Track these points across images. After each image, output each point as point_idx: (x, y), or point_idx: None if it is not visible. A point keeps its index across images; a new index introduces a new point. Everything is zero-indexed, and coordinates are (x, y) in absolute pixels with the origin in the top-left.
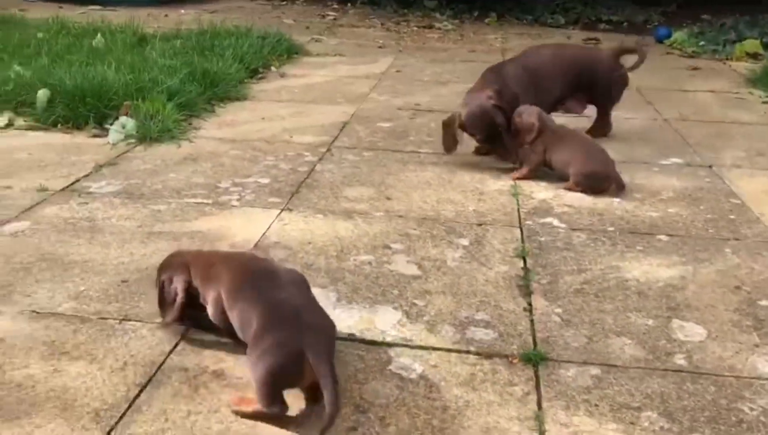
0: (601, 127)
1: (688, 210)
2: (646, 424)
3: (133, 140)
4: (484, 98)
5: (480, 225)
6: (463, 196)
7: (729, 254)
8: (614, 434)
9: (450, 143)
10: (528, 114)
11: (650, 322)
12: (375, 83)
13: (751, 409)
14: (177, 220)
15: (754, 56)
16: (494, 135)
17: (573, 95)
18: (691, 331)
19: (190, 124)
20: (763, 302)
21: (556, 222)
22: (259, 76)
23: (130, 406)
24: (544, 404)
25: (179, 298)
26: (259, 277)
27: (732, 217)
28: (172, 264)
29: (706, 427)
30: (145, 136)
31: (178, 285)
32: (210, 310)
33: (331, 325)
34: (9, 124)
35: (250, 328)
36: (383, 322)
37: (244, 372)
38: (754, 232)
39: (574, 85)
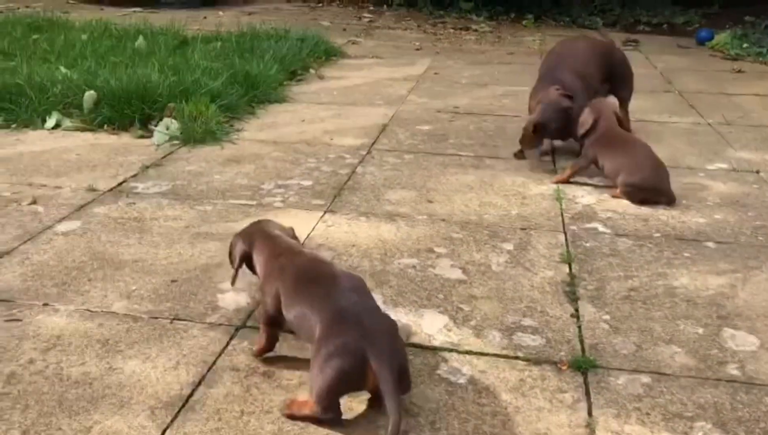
0: (626, 122)
1: (735, 216)
2: (700, 434)
3: (177, 142)
4: (553, 91)
5: (524, 229)
6: (506, 200)
7: None
8: None
9: (527, 145)
10: (590, 109)
11: (700, 330)
12: (413, 85)
13: None
14: (223, 221)
15: None
16: (567, 128)
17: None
18: (742, 341)
19: (231, 126)
20: None
21: (601, 227)
22: (298, 78)
23: (184, 405)
24: (595, 412)
25: (235, 265)
26: (320, 281)
27: None
28: (245, 231)
29: None
30: (189, 138)
31: (237, 253)
32: (267, 301)
33: (393, 329)
34: (57, 125)
35: (310, 332)
36: (430, 326)
37: (293, 374)
38: None
39: (605, 79)
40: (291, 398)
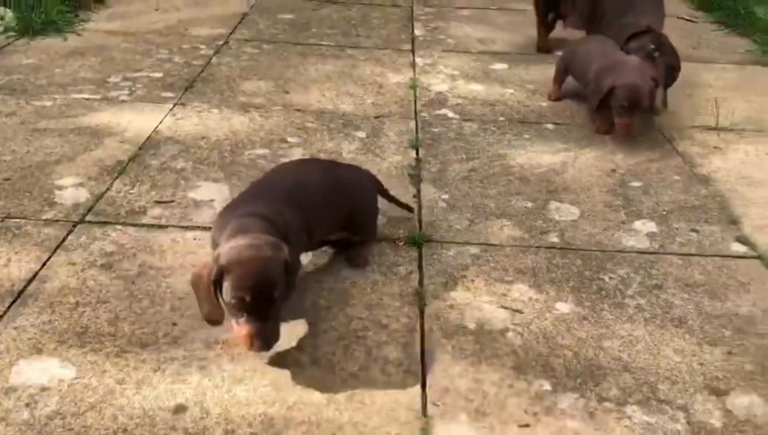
0: None
1: (575, 100)
2: (517, 295)
3: (13, 33)
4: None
5: (377, 117)
6: (363, 90)
7: (608, 141)
8: (487, 305)
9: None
10: None
11: (529, 204)
12: None
13: (611, 278)
14: (63, 117)
15: None
16: None
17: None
18: (566, 212)
19: (76, 15)
20: (634, 183)
21: (450, 113)
22: None
23: (15, 301)
24: (425, 281)
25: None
26: None
27: None
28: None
29: (569, 295)
30: (27, 29)
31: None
32: None
33: None
34: None
35: None
36: None
37: (133, 263)
38: None
39: None
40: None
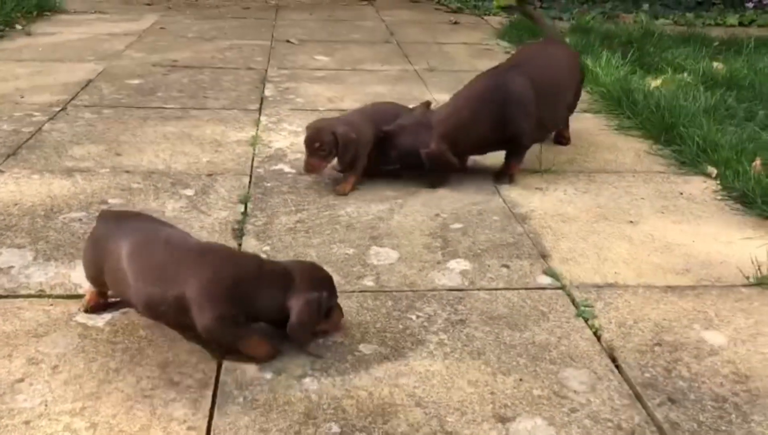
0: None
1: None
2: (321, 341)
3: None
4: None
5: (210, 175)
6: (200, 149)
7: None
8: (290, 352)
9: None
10: None
11: (351, 251)
12: (133, 40)
13: (418, 317)
14: None
15: (508, 9)
16: None
17: None
18: (385, 256)
19: None
20: (455, 225)
21: (287, 168)
22: None
23: None
24: None
25: None
26: None
27: None
28: None
29: (374, 337)
30: None
31: None
32: None
33: None
34: None
35: None
36: (80, 276)
37: None
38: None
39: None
40: None
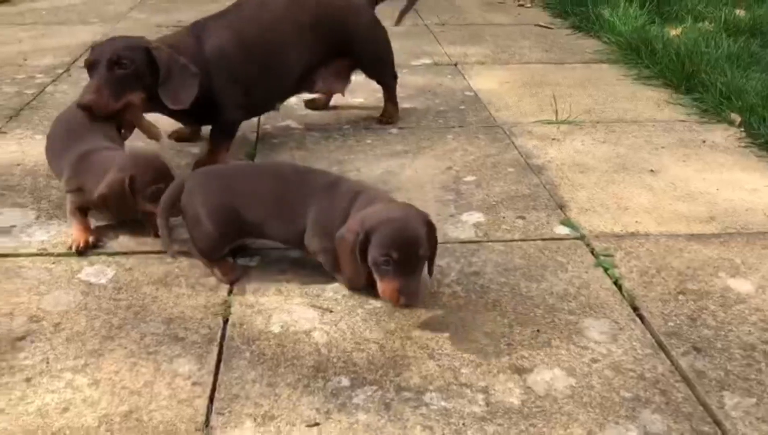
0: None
1: (424, 104)
2: (330, 294)
3: None
4: None
5: None
6: None
7: (450, 140)
8: (297, 307)
9: None
10: None
11: None
12: (137, 2)
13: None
14: None
15: None
16: None
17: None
18: None
19: None
20: (468, 178)
21: (294, 124)
22: None
23: None
24: (235, 289)
25: None
26: None
27: (462, 107)
28: None
29: None
30: None
31: None
32: None
33: None
34: None
35: None
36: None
37: None
38: (478, 118)
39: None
40: None
